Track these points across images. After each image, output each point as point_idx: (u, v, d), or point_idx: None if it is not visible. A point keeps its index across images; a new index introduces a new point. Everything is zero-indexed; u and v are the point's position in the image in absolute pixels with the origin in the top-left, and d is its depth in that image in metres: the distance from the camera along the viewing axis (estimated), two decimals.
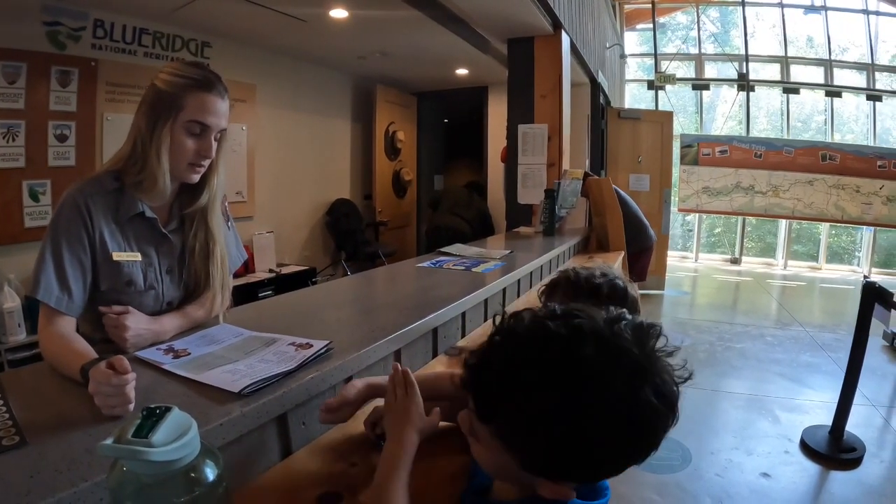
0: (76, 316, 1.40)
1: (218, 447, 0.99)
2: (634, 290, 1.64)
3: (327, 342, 1.39)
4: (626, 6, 11.00)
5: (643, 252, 5.54)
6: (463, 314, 2.12)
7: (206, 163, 1.52)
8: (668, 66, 10.60)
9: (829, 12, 10.38)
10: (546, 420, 0.69)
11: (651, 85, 10.43)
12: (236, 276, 5.34)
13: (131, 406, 1.02)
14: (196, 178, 1.53)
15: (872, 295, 3.53)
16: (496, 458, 0.78)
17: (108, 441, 0.63)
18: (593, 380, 0.69)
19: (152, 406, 0.67)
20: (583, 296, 1.49)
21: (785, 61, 10.58)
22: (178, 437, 0.64)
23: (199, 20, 5.07)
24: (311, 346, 1.38)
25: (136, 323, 1.38)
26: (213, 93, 1.46)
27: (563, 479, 0.75)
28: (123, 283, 1.46)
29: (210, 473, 0.68)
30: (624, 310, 0.80)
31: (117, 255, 1.44)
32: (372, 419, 1.26)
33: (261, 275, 5.89)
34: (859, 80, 10.46)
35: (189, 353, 1.36)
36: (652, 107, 10.46)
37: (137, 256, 1.49)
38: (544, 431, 0.70)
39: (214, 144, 1.51)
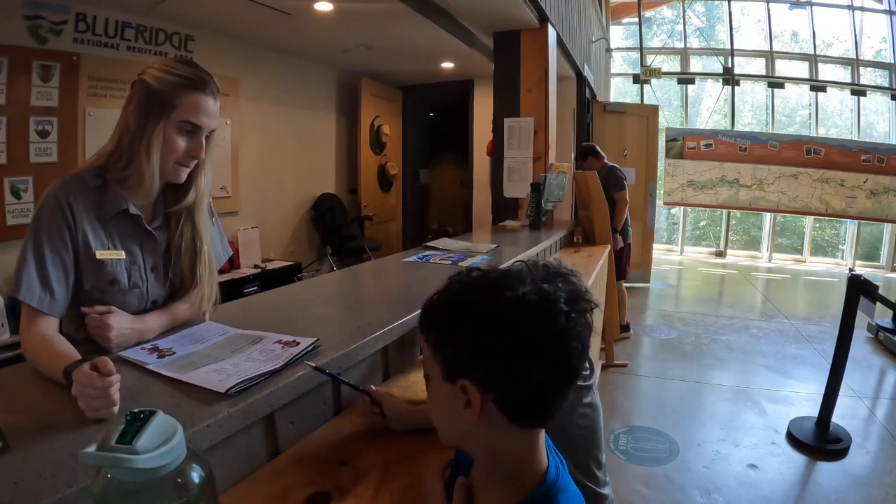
0: (59, 316, 1.36)
1: (205, 449, 0.99)
2: (580, 280, 1.66)
3: (314, 339, 1.37)
4: (612, 0, 11.00)
5: (622, 249, 5.56)
6: None
7: (194, 163, 1.50)
8: (654, 61, 10.64)
9: (814, 7, 10.46)
10: (458, 315, 0.80)
11: (637, 79, 10.46)
12: (222, 272, 5.30)
13: (116, 408, 1.00)
14: (183, 177, 1.50)
15: (858, 288, 3.56)
16: (437, 394, 0.85)
17: (91, 448, 0.61)
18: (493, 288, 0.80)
19: (136, 410, 0.65)
20: None
21: (770, 56, 10.64)
22: (163, 443, 0.62)
23: (183, 14, 5.02)
24: (298, 343, 1.36)
25: (120, 322, 1.36)
26: (207, 93, 1.44)
27: (479, 383, 0.78)
28: (107, 282, 1.43)
29: (197, 478, 0.67)
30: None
31: (101, 254, 1.41)
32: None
33: (246, 270, 5.85)
34: (844, 74, 10.55)
35: (174, 353, 1.33)
36: (637, 100, 10.50)
37: (121, 255, 1.46)
38: (456, 323, 0.80)
39: (204, 144, 1.48)
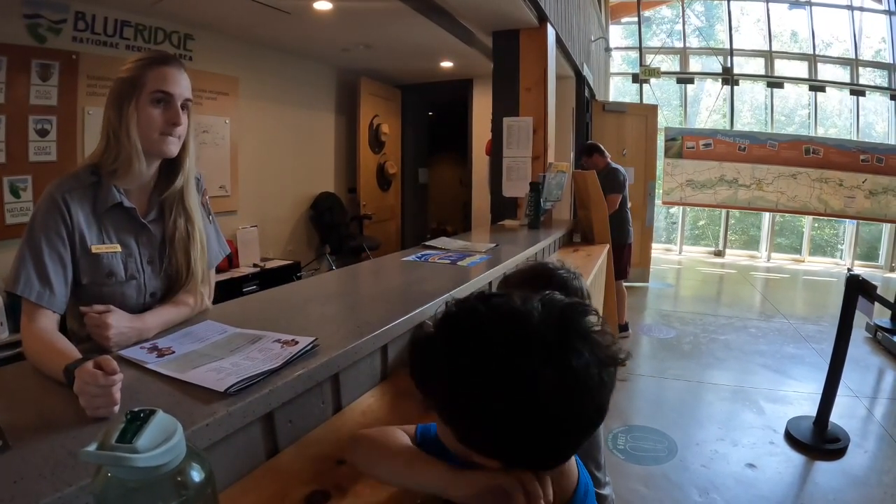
0: (59, 312, 1.38)
1: (204, 447, 0.99)
2: (581, 281, 1.63)
3: (313, 339, 1.37)
4: (612, 0, 11.00)
5: (623, 249, 5.56)
6: None
7: (179, 132, 1.53)
8: (653, 60, 10.64)
9: (813, 7, 10.47)
10: (454, 392, 0.73)
11: (636, 78, 10.47)
12: (220, 270, 5.30)
13: (116, 407, 1.00)
14: (174, 149, 1.53)
15: (856, 288, 3.57)
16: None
17: (92, 447, 0.61)
18: (494, 356, 0.70)
19: (136, 409, 0.66)
20: (527, 280, 1.51)
21: (769, 56, 10.64)
22: (163, 442, 0.62)
23: (182, 12, 5.00)
24: (297, 342, 1.36)
25: (119, 321, 1.36)
26: (171, 65, 1.50)
27: (490, 455, 0.75)
28: (104, 275, 1.46)
29: (197, 477, 0.67)
30: (549, 292, 0.79)
31: (96, 248, 1.45)
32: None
33: (245, 269, 5.84)
34: (843, 74, 10.56)
35: (173, 352, 1.34)
36: (636, 100, 10.50)
37: (117, 248, 1.49)
38: (456, 401, 0.74)
39: (183, 114, 1.52)
